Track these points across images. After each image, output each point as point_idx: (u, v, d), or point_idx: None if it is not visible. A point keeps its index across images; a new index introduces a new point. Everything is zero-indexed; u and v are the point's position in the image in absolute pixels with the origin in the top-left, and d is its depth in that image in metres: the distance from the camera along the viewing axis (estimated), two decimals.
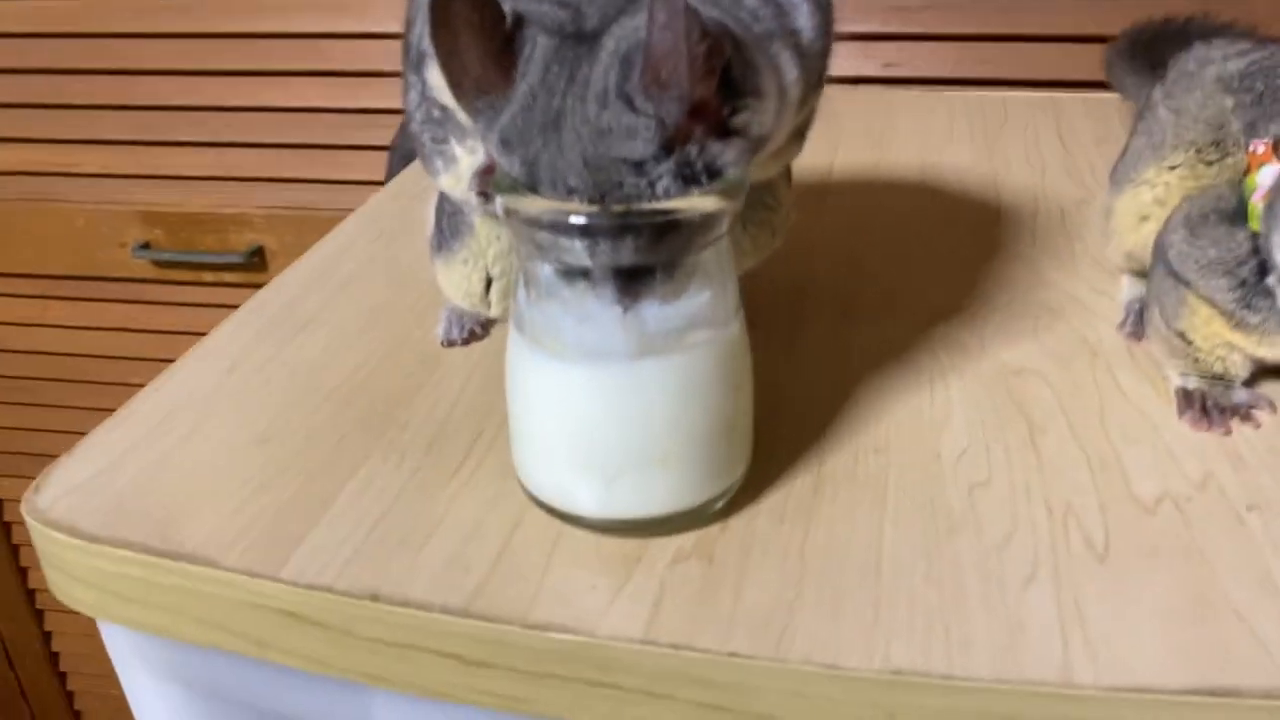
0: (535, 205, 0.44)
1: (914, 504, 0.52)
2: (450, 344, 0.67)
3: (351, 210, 1.30)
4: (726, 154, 0.43)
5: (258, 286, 1.51)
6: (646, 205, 0.42)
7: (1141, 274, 0.67)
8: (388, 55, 1.37)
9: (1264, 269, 0.53)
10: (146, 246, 1.56)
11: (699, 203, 0.43)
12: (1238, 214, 0.55)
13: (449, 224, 0.61)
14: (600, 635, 0.44)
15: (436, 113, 0.55)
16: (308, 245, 1.48)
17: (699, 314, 0.47)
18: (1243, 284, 0.54)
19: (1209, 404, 0.57)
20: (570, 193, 0.42)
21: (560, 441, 0.49)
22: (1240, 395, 0.57)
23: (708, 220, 0.44)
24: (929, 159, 0.92)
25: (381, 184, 1.42)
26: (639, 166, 0.41)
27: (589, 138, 0.41)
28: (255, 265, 1.56)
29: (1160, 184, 0.61)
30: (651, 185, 0.41)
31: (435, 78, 0.52)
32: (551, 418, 0.48)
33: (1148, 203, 0.62)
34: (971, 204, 0.84)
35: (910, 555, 0.49)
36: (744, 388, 0.50)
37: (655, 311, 0.46)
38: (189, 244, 1.55)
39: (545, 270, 0.47)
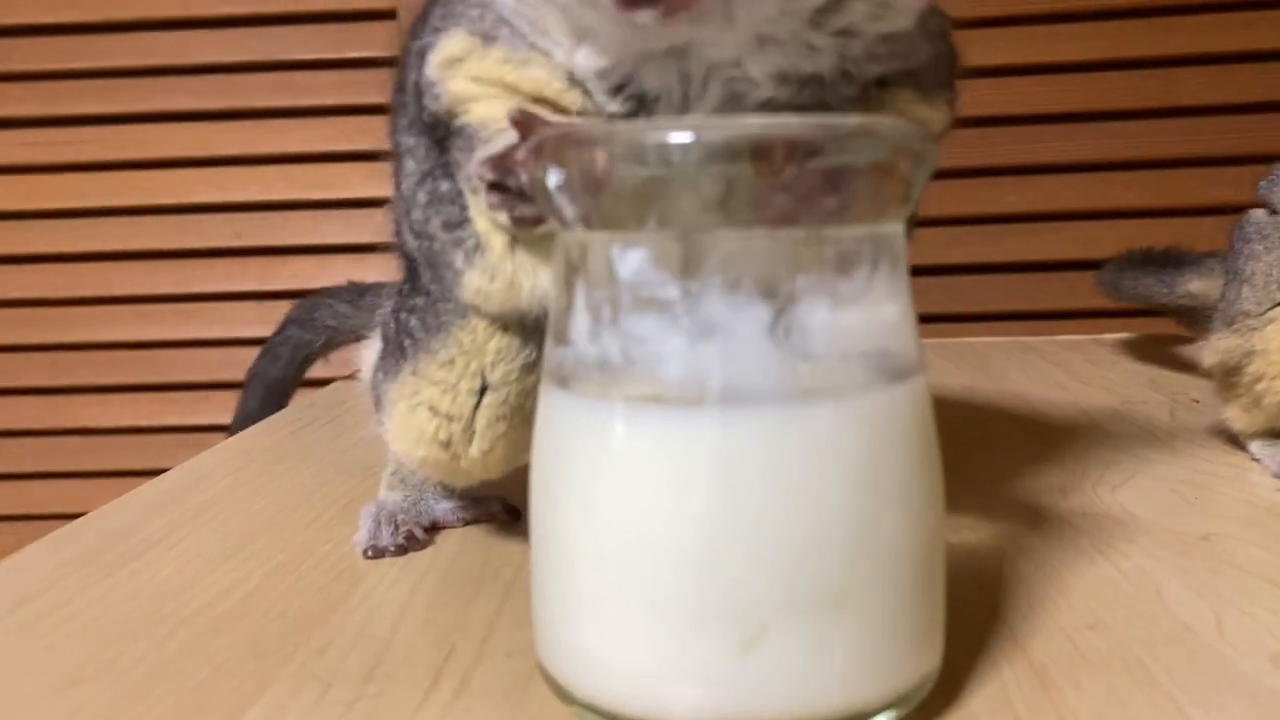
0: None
1: (1209, 686, 0.32)
2: (377, 553, 0.44)
3: None
4: None
5: None
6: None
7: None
8: (230, 364, 1.22)
9: None
10: None
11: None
12: None
13: (422, 324, 0.41)
14: None
15: (445, 187, 0.38)
16: None
17: (882, 337, 0.29)
18: None
19: None
20: None
21: (657, 574, 0.27)
22: None
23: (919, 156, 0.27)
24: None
25: None
26: None
27: None
28: None
29: None
30: None
31: (441, 55, 0.35)
32: (641, 529, 0.27)
33: None
34: (1010, 414, 0.69)
35: None
36: (941, 486, 0.31)
37: (821, 319, 0.27)
38: None
39: (634, 260, 0.27)
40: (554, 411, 0.29)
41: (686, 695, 0.27)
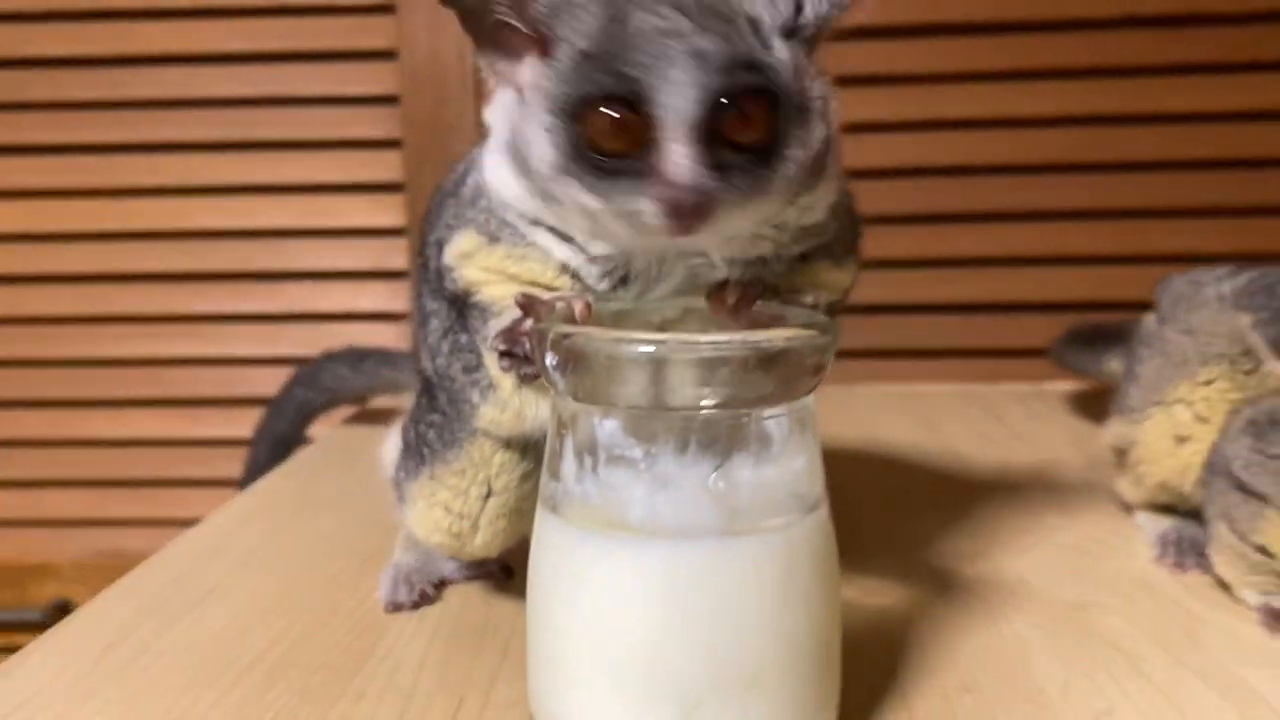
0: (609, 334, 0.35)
1: None
2: (396, 608, 0.53)
3: None
4: None
5: None
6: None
7: (1165, 507, 0.62)
8: (232, 382, 1.30)
9: None
10: None
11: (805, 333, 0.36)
12: None
13: (439, 438, 0.51)
14: None
15: (464, 339, 0.47)
16: None
17: (794, 485, 0.38)
18: None
19: None
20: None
21: (622, 660, 0.36)
22: None
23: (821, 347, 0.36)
24: (870, 436, 0.87)
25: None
26: None
27: None
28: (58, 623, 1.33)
29: (1199, 400, 0.57)
30: None
31: (455, 249, 0.45)
32: (609, 626, 0.36)
33: (1187, 422, 0.58)
34: (940, 472, 0.78)
35: None
36: (838, 591, 0.40)
37: (747, 476, 0.37)
38: None
39: (609, 427, 0.37)
40: (546, 531, 0.39)
41: None
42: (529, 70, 0.41)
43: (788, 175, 0.39)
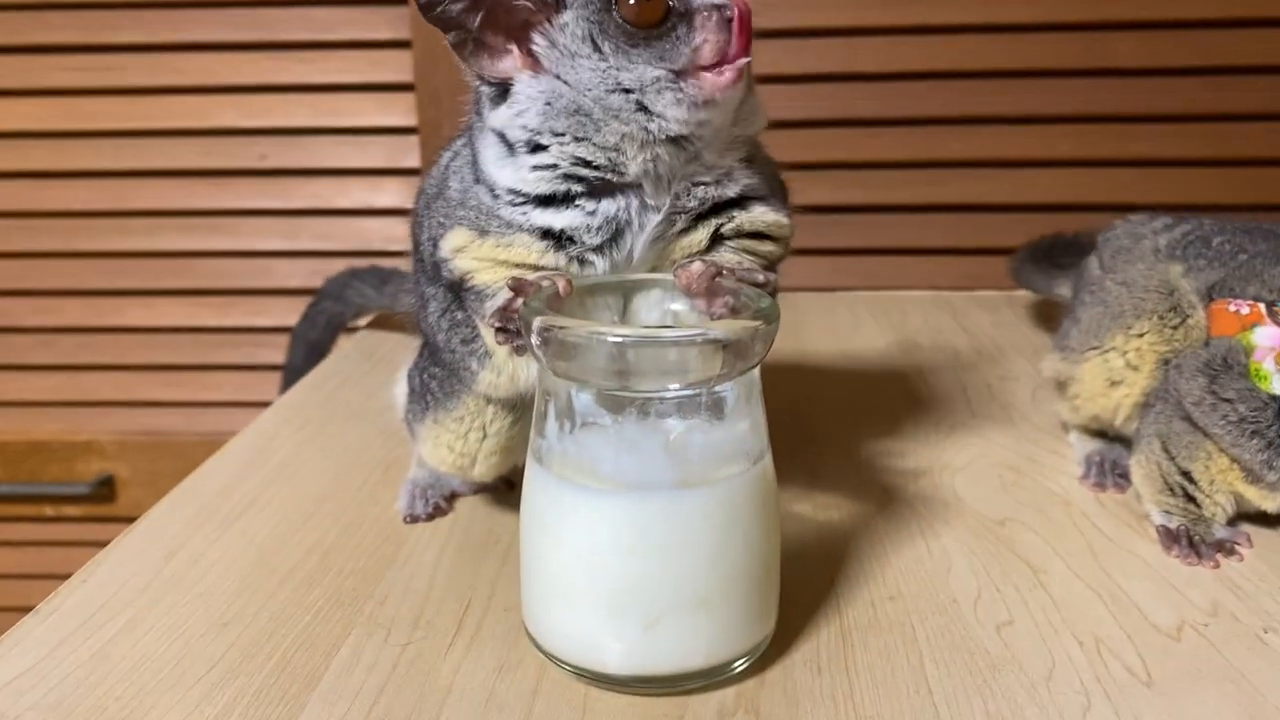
0: (581, 326, 0.42)
1: (948, 647, 0.50)
2: (414, 519, 0.62)
3: (212, 434, 1.24)
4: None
5: (104, 520, 1.41)
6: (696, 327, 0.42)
7: (1096, 432, 0.69)
8: (257, 273, 1.38)
9: None
10: None
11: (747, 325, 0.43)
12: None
13: (440, 388, 0.59)
14: None
15: (460, 315, 0.55)
16: (163, 473, 1.40)
17: (739, 444, 0.46)
18: (1270, 445, 0.56)
19: (1194, 540, 0.58)
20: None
21: (593, 585, 0.45)
22: (1222, 531, 0.59)
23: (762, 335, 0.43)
24: (846, 348, 0.95)
25: (257, 404, 1.37)
26: None
27: None
28: (103, 496, 1.44)
29: (1130, 350, 0.64)
30: None
31: (448, 245, 0.52)
32: (584, 558, 0.45)
33: (1119, 368, 0.65)
34: (902, 383, 0.86)
35: (964, 695, 0.46)
36: (776, 526, 0.48)
37: (699, 439, 0.44)
38: (31, 474, 1.43)
39: (585, 399, 0.44)
40: (534, 478, 0.47)
41: (613, 652, 0.45)
42: (544, 38, 0.49)
43: None
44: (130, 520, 0.61)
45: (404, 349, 0.67)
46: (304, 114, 1.35)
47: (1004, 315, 1.03)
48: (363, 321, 1.05)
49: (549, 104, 0.49)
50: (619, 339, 0.42)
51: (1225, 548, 0.58)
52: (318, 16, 1.32)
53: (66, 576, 0.55)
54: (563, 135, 0.49)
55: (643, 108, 0.48)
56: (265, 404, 1.34)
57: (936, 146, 1.28)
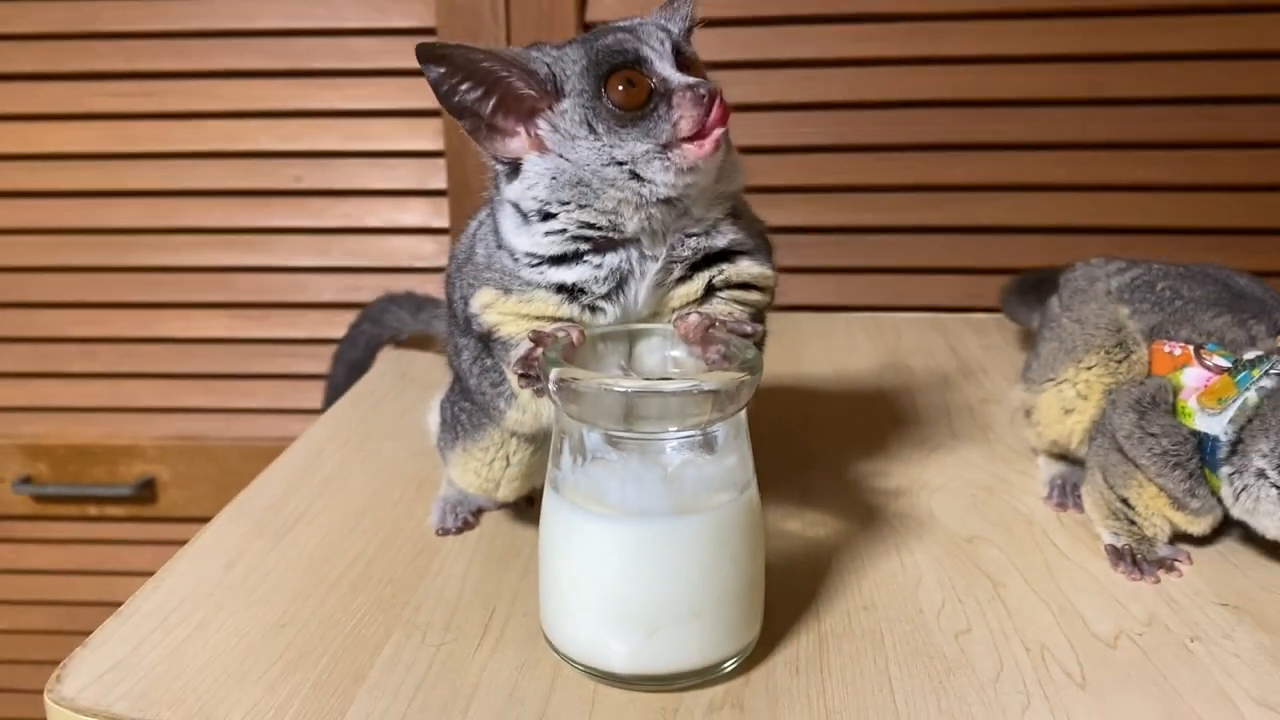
0: (593, 377, 0.49)
1: (911, 652, 0.57)
2: (445, 533, 0.70)
3: (247, 439, 1.40)
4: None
5: (147, 520, 1.50)
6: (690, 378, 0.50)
7: (1060, 455, 0.76)
8: (292, 288, 1.46)
9: (1203, 462, 0.63)
10: (28, 481, 1.52)
11: (734, 375, 0.50)
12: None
13: (469, 421, 0.67)
14: None
15: (489, 362, 0.62)
16: (201, 476, 1.49)
17: (727, 477, 0.53)
18: (1190, 475, 0.63)
19: (1138, 558, 0.65)
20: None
21: (601, 598, 0.52)
22: (1164, 550, 0.66)
23: (741, 388, 0.51)
24: (842, 370, 1.02)
25: (292, 411, 1.45)
26: None
27: None
28: (144, 498, 1.53)
29: (1080, 381, 0.71)
30: None
31: (477, 302, 0.60)
32: (594, 575, 0.52)
33: (1071, 398, 0.72)
34: (891, 405, 0.93)
35: (921, 695, 0.54)
36: (761, 547, 0.56)
37: (693, 472, 0.52)
38: (76, 476, 1.52)
39: (594, 437, 0.52)
40: (550, 503, 0.54)
41: (618, 655, 0.53)
42: (547, 122, 0.57)
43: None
44: (171, 520, 0.70)
45: (434, 367, 0.74)
46: (335, 138, 1.43)
47: (993, 339, 1.10)
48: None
49: (554, 178, 0.57)
50: (624, 390, 0.49)
51: (1166, 564, 0.65)
52: (349, 45, 1.40)
53: (109, 573, 0.63)
54: (568, 204, 0.57)
55: (635, 176, 0.56)
56: (299, 411, 1.44)
57: (937, 171, 1.35)
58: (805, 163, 1.36)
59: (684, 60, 0.57)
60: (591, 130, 0.56)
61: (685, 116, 0.55)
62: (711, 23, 1.36)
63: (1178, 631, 0.59)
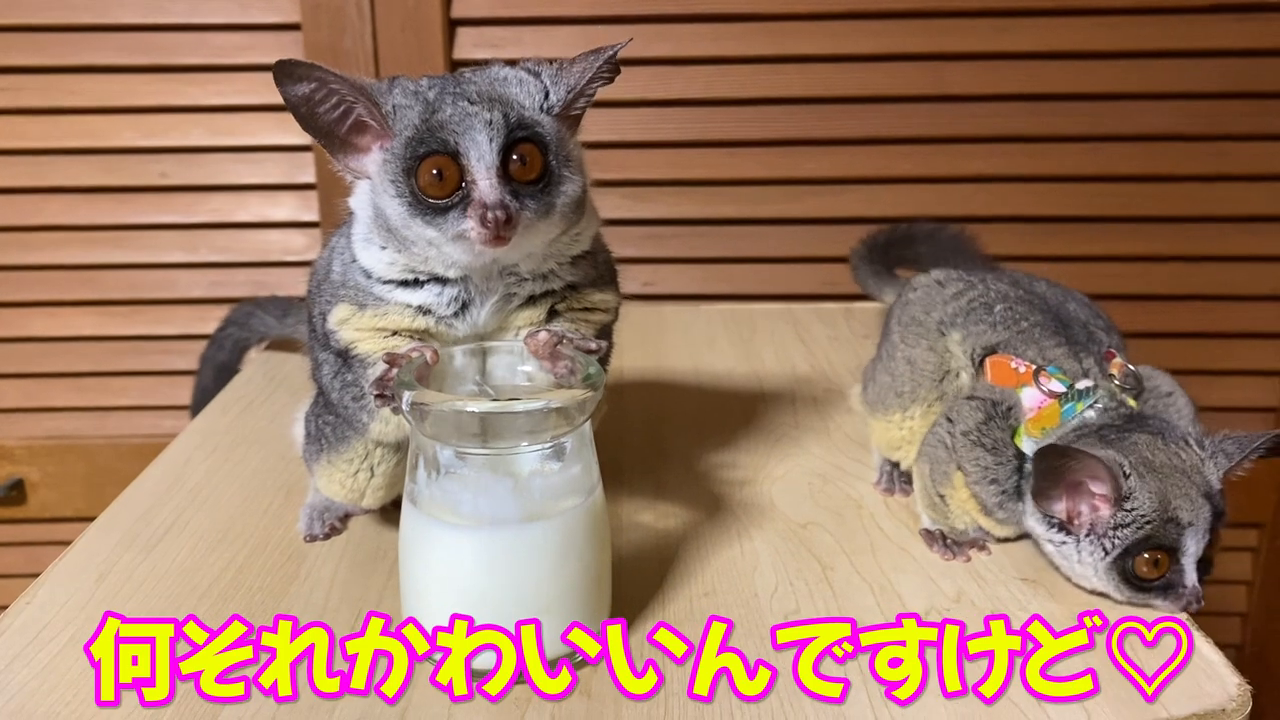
0: (440, 399, 0.54)
1: (744, 634, 0.63)
2: (313, 539, 0.73)
3: (118, 437, 1.42)
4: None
5: (16, 522, 1.48)
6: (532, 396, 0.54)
7: None
8: (161, 284, 1.46)
9: (1019, 481, 0.69)
10: None
11: (575, 393, 0.55)
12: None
13: (334, 433, 0.70)
14: None
15: (350, 377, 0.65)
16: (72, 475, 1.48)
17: (572, 484, 0.58)
18: (1004, 492, 0.70)
19: (949, 540, 0.72)
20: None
21: (458, 599, 0.57)
22: (975, 532, 0.73)
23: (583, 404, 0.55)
24: (700, 363, 1.08)
25: (162, 408, 1.45)
26: None
27: None
28: (13, 499, 1.51)
29: (906, 428, 0.78)
30: None
31: (334, 318, 0.64)
32: (450, 580, 0.57)
33: (898, 437, 0.79)
34: (742, 397, 0.99)
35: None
36: (607, 546, 0.61)
37: (541, 482, 0.56)
38: None
39: (447, 454, 0.56)
40: (408, 516, 0.58)
41: None
42: (377, 157, 0.59)
43: (561, 202, 0.59)
44: (41, 521, 0.71)
45: (303, 370, 0.76)
46: (201, 133, 1.43)
47: (840, 330, 1.18)
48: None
49: (375, 215, 0.61)
50: (476, 410, 0.53)
51: (978, 544, 0.72)
52: (212, 40, 1.39)
53: None
54: (386, 248, 0.61)
55: (438, 246, 0.59)
56: (172, 408, 1.44)
57: (793, 165, 1.42)
58: (667, 157, 1.41)
59: (519, 150, 0.57)
60: (399, 194, 0.58)
61: (474, 230, 0.57)
62: (577, 20, 1.40)
63: (981, 605, 0.66)
